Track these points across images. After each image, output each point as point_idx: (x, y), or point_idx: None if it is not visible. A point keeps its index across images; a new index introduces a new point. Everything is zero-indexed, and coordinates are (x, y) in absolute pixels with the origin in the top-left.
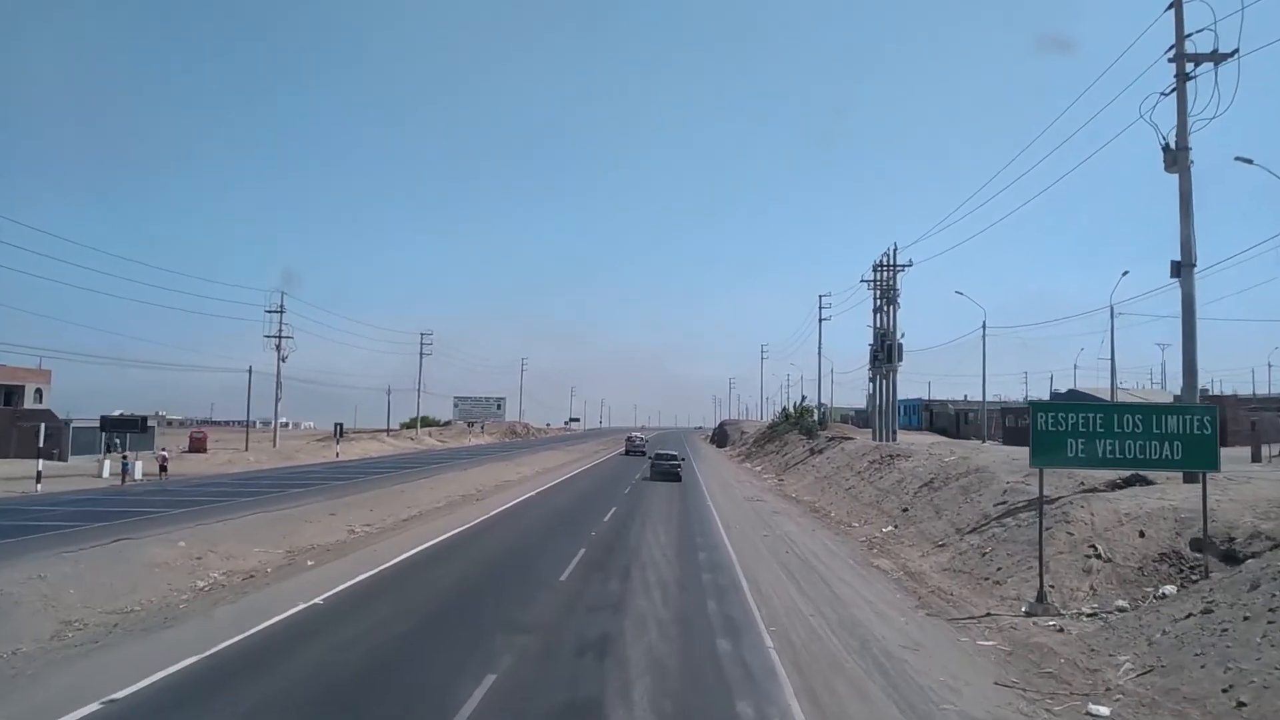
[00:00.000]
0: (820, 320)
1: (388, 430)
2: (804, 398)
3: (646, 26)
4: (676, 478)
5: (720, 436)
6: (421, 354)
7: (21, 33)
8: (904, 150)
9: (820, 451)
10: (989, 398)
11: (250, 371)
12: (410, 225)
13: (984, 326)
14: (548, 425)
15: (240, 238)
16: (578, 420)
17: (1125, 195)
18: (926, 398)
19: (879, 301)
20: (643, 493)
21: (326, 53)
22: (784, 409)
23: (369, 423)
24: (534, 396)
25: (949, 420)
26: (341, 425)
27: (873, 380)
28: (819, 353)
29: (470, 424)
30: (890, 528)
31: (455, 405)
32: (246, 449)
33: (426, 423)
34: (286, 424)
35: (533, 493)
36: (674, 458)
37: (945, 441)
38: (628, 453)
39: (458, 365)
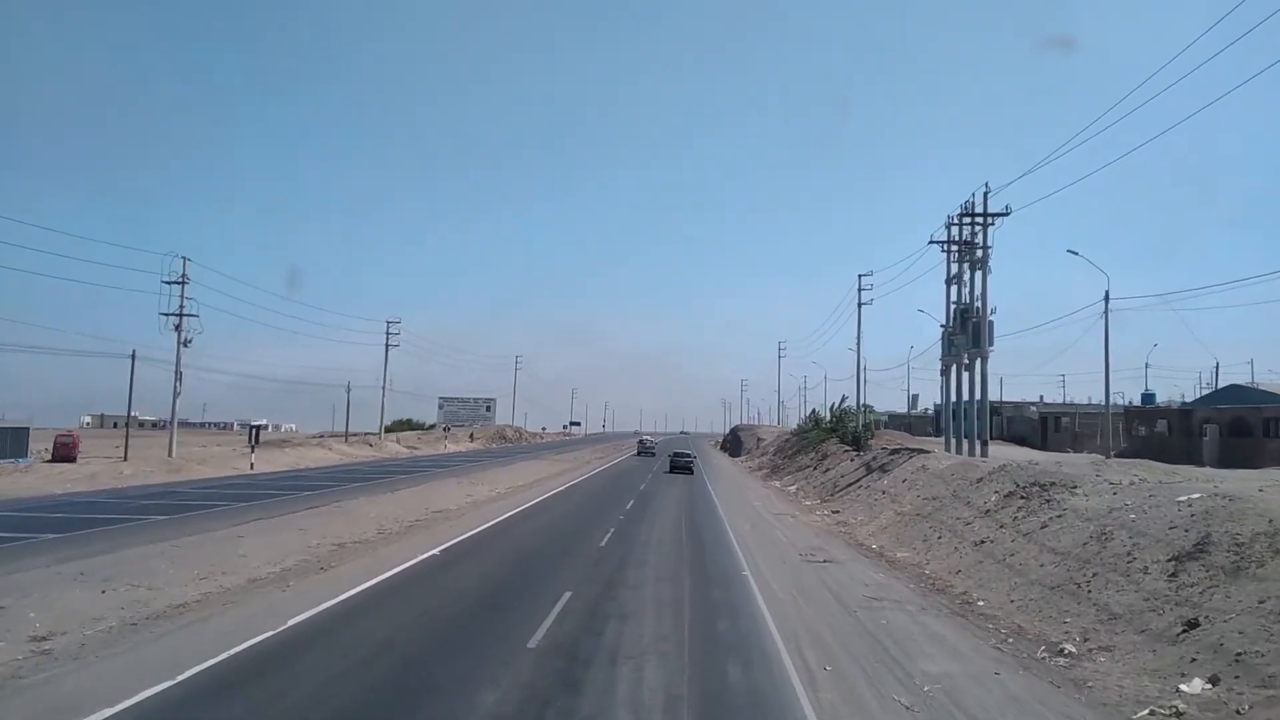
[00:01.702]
0: (860, 305)
1: (347, 435)
2: (844, 398)
3: (649, 21)
4: (689, 470)
5: (733, 444)
6: (388, 345)
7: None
8: (912, 142)
9: (885, 470)
10: (1052, 398)
11: (133, 357)
12: (413, 225)
13: (1106, 300)
14: (543, 430)
15: (241, 237)
16: (578, 424)
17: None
18: (996, 398)
19: (957, 267)
20: (630, 542)
21: (325, 52)
22: (813, 413)
23: (366, 425)
24: (534, 400)
25: (1029, 427)
26: (259, 429)
27: (944, 373)
28: (858, 343)
29: (447, 428)
30: (1206, 685)
31: (440, 407)
32: (126, 458)
33: (411, 426)
34: (265, 425)
35: (436, 549)
36: (687, 456)
37: (1049, 456)
38: (639, 454)
39: (461, 368)
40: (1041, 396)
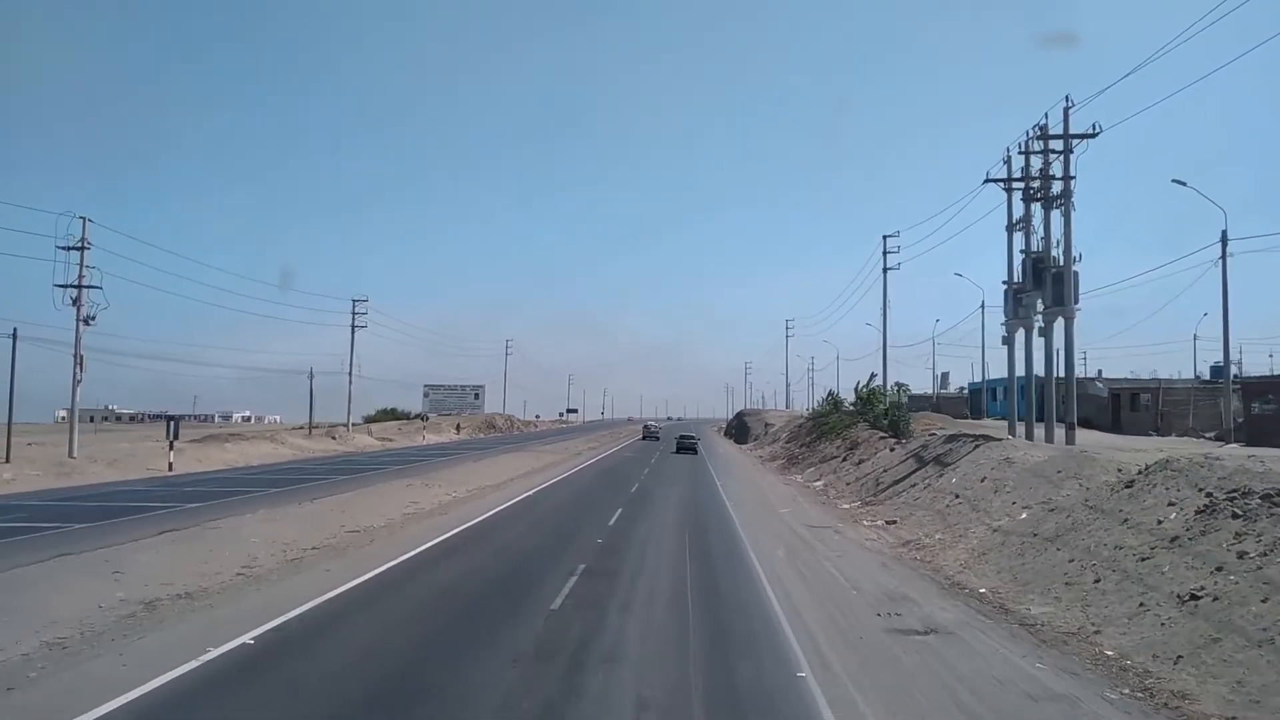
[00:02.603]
0: (885, 270)
1: (310, 426)
2: (872, 376)
3: (649, 11)
4: (694, 451)
5: (739, 430)
6: (354, 327)
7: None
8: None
9: (944, 463)
10: (1112, 373)
11: (14, 337)
12: (412, 218)
13: (1223, 240)
14: (536, 418)
15: (241, 236)
16: (575, 411)
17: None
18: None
19: (1023, 207)
20: (605, 596)
21: (326, 50)
22: (831, 394)
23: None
24: (532, 389)
25: (1095, 406)
26: (176, 422)
27: (1009, 340)
28: (884, 313)
29: (425, 417)
30: None
31: (425, 395)
32: (8, 459)
33: (395, 415)
34: (249, 418)
35: (316, 601)
36: (691, 438)
37: (1155, 442)
38: (644, 438)
39: (464, 359)
40: (1101, 371)
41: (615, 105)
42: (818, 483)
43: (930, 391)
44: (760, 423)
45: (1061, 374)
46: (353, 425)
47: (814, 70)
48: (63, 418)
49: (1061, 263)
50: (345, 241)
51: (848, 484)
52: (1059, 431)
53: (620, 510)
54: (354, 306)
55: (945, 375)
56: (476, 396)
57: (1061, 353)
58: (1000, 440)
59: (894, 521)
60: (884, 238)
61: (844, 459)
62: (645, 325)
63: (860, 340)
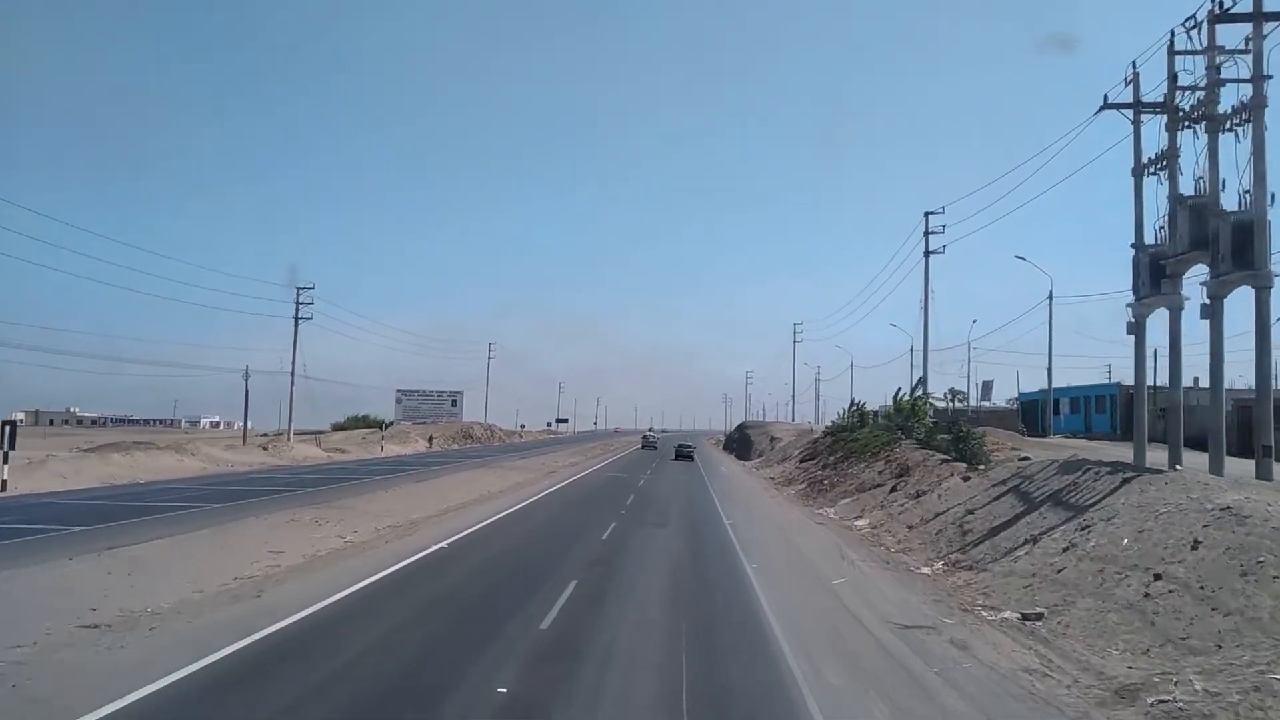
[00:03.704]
0: (927, 254)
1: (245, 434)
2: (919, 381)
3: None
4: (690, 459)
5: (740, 444)
6: (297, 317)
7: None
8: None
9: (1076, 508)
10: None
11: None
12: (410, 223)
13: None
14: (522, 427)
15: (242, 234)
16: (565, 421)
17: None
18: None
19: (1166, 136)
20: None
21: (326, 52)
22: (857, 405)
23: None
24: (523, 396)
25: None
26: (11, 427)
27: (1134, 328)
28: (925, 303)
29: (386, 425)
30: None
31: (398, 401)
32: None
33: (367, 423)
34: (218, 423)
35: None
36: (688, 446)
37: None
38: (643, 447)
39: (458, 364)
40: (1198, 379)
41: (615, 109)
42: (859, 520)
43: (965, 405)
44: (765, 437)
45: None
46: (302, 434)
47: (814, 71)
48: (20, 419)
49: (1244, 207)
50: (345, 243)
51: (909, 527)
52: (1238, 463)
53: (574, 585)
54: (298, 296)
55: (989, 384)
56: (454, 403)
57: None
58: (1163, 473)
59: (1036, 616)
60: (926, 215)
61: (891, 488)
62: (642, 333)
63: (877, 347)
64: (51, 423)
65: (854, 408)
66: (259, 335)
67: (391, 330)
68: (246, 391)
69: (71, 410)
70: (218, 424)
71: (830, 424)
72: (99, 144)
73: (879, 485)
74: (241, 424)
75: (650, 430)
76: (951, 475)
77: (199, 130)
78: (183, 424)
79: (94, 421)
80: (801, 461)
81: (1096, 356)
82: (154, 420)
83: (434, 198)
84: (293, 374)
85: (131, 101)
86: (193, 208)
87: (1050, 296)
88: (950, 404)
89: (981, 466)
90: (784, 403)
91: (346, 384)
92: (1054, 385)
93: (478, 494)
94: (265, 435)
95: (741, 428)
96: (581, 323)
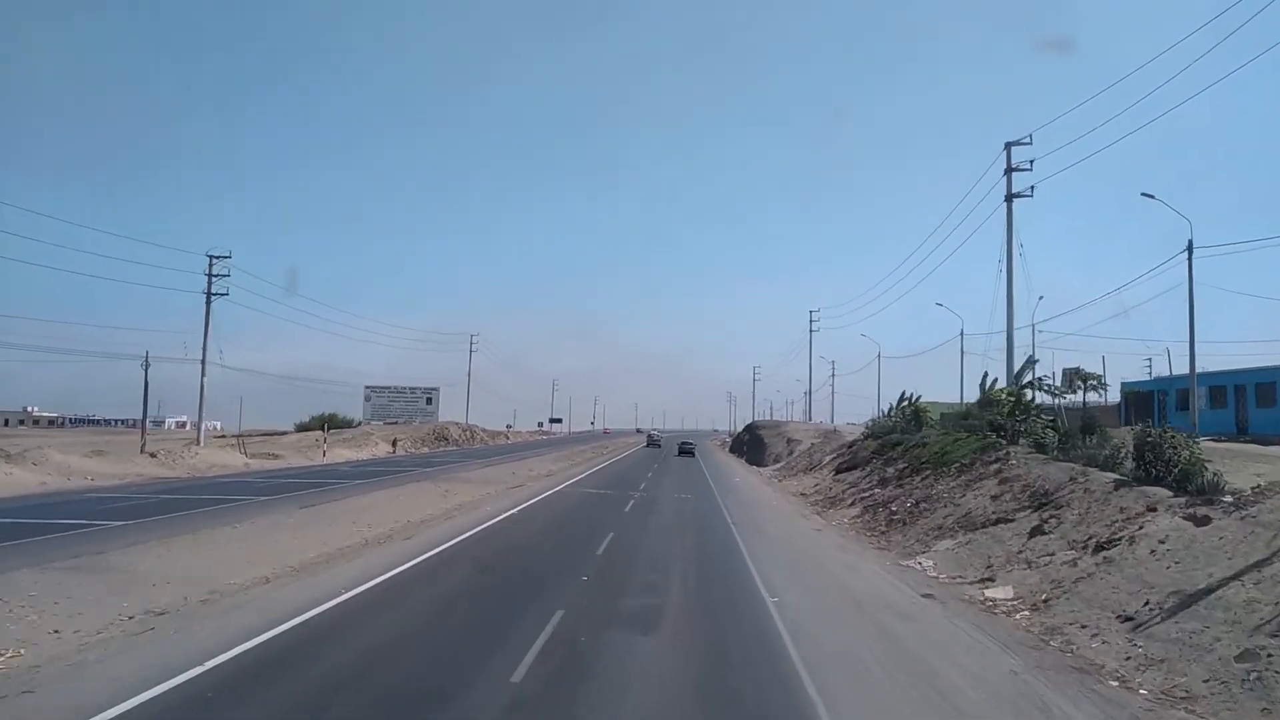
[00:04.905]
0: (1010, 197)
1: (144, 436)
2: (1031, 359)
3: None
4: (691, 455)
5: (751, 446)
6: (210, 292)
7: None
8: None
9: None
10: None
11: None
12: (418, 226)
13: None
14: (508, 427)
15: (244, 233)
16: (559, 421)
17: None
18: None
19: None
20: None
21: (325, 51)
22: (908, 399)
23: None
24: (520, 397)
25: None
26: None
27: None
28: (1008, 258)
29: (325, 426)
30: None
31: (367, 399)
32: None
33: (336, 422)
34: (183, 423)
35: None
36: (689, 444)
37: None
38: (648, 445)
39: (458, 364)
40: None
41: (615, 111)
42: (993, 591)
43: (1090, 391)
44: (780, 438)
45: None
46: (261, 434)
47: (815, 72)
48: None
49: None
50: (344, 244)
51: (1126, 620)
52: None
53: None
54: (210, 266)
55: (1075, 373)
56: (429, 401)
57: None
58: None
59: None
60: (1007, 145)
61: (1034, 529)
62: (643, 332)
63: (902, 340)
64: (6, 423)
65: (905, 403)
66: (250, 330)
67: (384, 326)
68: (146, 382)
69: (29, 410)
70: (183, 424)
71: (869, 423)
72: (99, 143)
73: (1004, 520)
74: (211, 424)
75: (653, 430)
76: (1151, 511)
77: (200, 130)
78: (162, 425)
79: (51, 422)
80: (839, 472)
81: (1134, 339)
82: (119, 421)
83: (434, 198)
84: (203, 361)
85: (131, 101)
86: (192, 208)
87: (1189, 247)
88: (1059, 395)
89: (1209, 497)
90: (793, 400)
91: (333, 383)
92: (1176, 373)
93: (388, 529)
94: (224, 436)
95: (751, 428)
96: (582, 322)
